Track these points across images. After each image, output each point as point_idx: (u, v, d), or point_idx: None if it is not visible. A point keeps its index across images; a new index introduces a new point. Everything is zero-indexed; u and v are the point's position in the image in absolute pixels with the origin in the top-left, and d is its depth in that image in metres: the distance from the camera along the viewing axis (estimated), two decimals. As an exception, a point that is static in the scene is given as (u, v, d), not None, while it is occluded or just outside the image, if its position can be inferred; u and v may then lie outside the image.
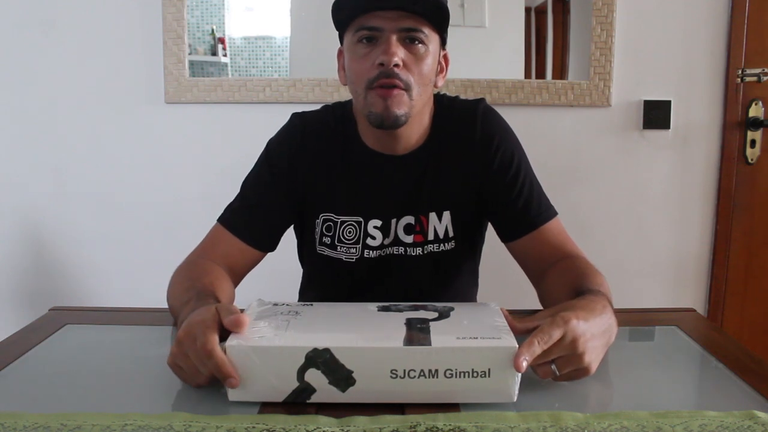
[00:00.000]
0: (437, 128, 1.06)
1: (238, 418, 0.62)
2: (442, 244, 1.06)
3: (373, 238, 1.05)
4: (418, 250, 1.06)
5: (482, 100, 1.08)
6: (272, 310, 0.76)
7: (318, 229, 1.07)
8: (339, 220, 1.05)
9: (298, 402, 0.66)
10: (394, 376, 0.65)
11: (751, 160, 1.85)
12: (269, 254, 1.07)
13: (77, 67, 1.80)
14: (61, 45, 1.79)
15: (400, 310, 0.77)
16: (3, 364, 0.77)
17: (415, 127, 1.02)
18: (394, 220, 1.05)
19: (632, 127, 1.83)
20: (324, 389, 0.65)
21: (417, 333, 0.68)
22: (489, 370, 0.65)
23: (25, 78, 1.80)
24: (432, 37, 0.97)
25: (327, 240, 1.06)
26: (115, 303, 1.78)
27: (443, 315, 0.75)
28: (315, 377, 0.65)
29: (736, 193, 1.86)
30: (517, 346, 0.65)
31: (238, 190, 1.08)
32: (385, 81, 0.93)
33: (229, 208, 1.06)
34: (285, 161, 1.05)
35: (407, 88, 0.95)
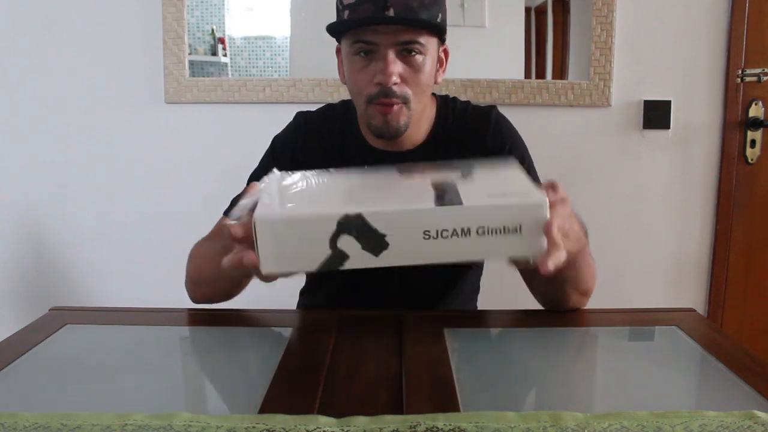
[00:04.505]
0: (443, 126, 1.06)
1: (238, 418, 0.62)
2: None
3: None
4: None
5: (495, 107, 1.09)
6: (293, 179, 0.75)
7: None
8: None
9: (333, 270, 0.65)
10: (426, 236, 0.64)
11: (751, 160, 1.85)
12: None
13: (77, 67, 1.80)
14: (61, 45, 1.79)
15: (421, 173, 0.76)
16: (3, 364, 0.77)
17: (415, 126, 1.02)
18: None
19: (632, 127, 1.83)
20: (357, 255, 0.65)
21: (447, 194, 0.68)
22: (520, 226, 0.65)
23: (26, 78, 1.80)
24: (430, 43, 0.97)
25: None
26: (115, 303, 1.78)
27: (466, 174, 0.74)
28: (347, 244, 0.64)
29: (736, 193, 1.86)
30: (547, 199, 0.66)
31: (240, 189, 1.08)
32: (385, 100, 0.95)
33: (234, 200, 1.07)
34: (288, 155, 1.07)
35: (405, 101, 0.96)
